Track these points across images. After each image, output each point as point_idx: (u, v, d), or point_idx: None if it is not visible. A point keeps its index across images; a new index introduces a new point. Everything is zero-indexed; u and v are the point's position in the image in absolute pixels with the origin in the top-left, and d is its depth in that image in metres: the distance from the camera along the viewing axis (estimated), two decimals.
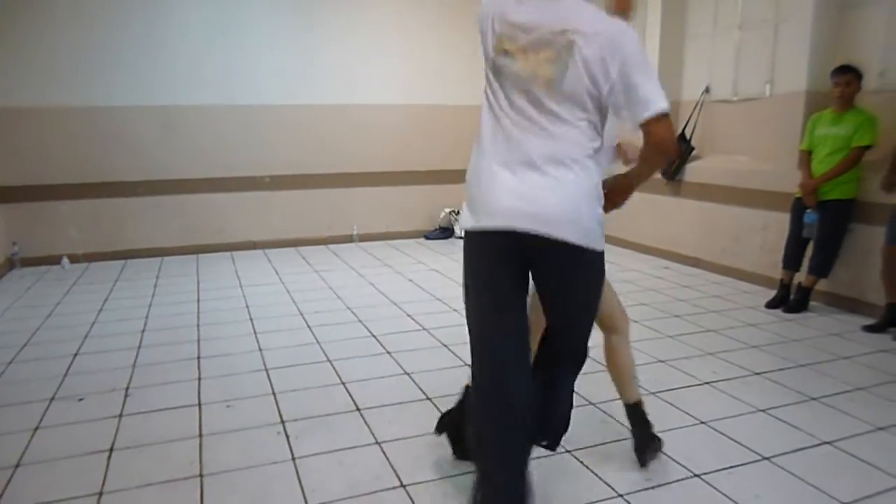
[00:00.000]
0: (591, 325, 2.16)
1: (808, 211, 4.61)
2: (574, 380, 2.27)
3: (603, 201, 2.01)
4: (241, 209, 7.14)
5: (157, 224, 6.85)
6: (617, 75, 1.85)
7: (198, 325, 4.46)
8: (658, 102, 1.86)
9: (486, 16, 2.00)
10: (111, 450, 2.75)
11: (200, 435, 2.87)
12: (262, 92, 6.99)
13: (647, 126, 1.89)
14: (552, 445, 2.37)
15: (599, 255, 2.00)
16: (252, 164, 7.11)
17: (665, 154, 1.99)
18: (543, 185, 1.89)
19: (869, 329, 4.28)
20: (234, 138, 6.98)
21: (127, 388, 3.39)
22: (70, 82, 6.30)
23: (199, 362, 3.76)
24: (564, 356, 2.19)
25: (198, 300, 5.12)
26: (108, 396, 3.29)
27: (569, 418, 2.30)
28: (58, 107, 6.31)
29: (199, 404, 3.19)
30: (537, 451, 2.30)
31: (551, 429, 2.28)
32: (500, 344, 2.04)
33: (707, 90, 6.17)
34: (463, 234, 2.11)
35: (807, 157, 4.71)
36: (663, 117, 1.88)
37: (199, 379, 3.51)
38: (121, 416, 3.07)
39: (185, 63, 6.66)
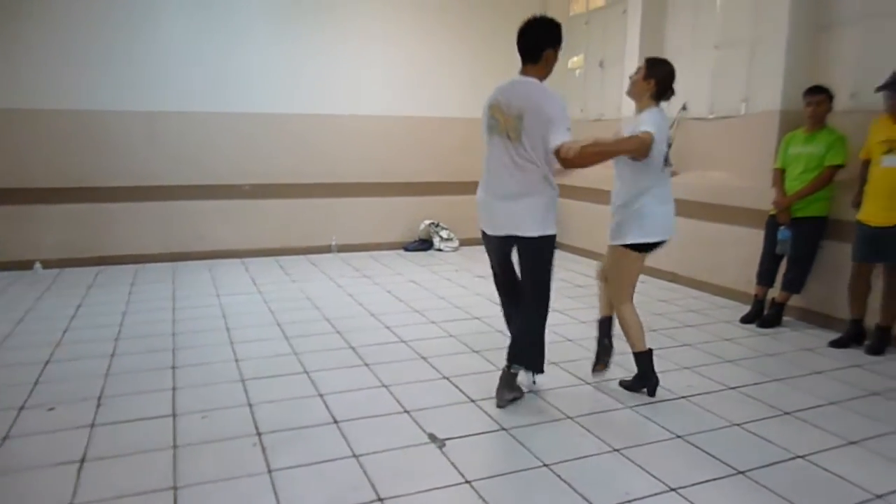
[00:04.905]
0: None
1: (782, 228, 4.69)
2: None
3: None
4: (221, 217, 7.08)
5: (135, 230, 6.76)
6: (542, 127, 3.00)
7: (173, 334, 4.40)
8: (556, 141, 2.96)
9: (490, 98, 3.24)
10: (82, 461, 2.69)
11: (175, 446, 2.83)
12: (246, 100, 6.95)
13: (556, 154, 3.00)
14: (532, 367, 3.43)
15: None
16: (233, 172, 7.05)
17: (571, 166, 2.99)
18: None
19: (834, 344, 4.36)
20: (217, 146, 6.93)
21: (99, 398, 3.33)
22: (51, 85, 6.21)
23: (173, 372, 3.71)
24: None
25: (173, 308, 5.06)
26: (79, 405, 3.23)
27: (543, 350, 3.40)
28: (37, 109, 6.21)
29: (174, 414, 3.14)
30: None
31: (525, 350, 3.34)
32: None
33: (685, 107, 6.26)
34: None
35: (780, 175, 4.80)
36: (559, 149, 2.95)
37: (174, 389, 3.46)
38: (93, 425, 3.02)
39: (171, 69, 6.60)
